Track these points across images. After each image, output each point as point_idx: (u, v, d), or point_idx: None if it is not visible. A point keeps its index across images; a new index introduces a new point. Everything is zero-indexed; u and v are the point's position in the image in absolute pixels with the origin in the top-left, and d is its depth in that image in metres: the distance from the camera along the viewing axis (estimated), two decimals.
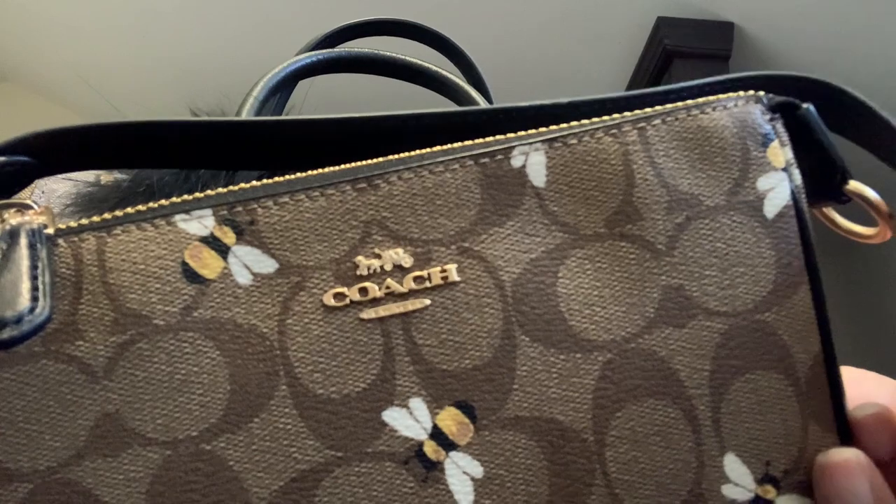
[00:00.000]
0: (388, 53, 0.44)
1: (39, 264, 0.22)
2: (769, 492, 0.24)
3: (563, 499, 0.23)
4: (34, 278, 0.21)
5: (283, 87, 0.41)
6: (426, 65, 0.44)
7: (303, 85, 0.44)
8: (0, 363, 0.22)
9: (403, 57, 0.44)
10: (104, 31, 1.85)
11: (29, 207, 0.23)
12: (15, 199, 0.23)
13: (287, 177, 0.24)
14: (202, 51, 1.92)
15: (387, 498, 0.22)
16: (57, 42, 1.92)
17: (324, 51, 0.43)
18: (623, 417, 0.24)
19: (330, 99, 0.46)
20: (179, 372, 0.22)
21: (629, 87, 1.73)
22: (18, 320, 0.20)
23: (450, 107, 0.45)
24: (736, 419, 0.24)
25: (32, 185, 0.42)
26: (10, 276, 0.21)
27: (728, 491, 0.24)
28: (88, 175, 0.35)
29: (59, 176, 0.42)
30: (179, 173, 0.30)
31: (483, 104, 0.42)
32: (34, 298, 0.21)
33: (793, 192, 0.26)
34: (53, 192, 0.41)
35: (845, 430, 0.25)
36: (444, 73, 0.44)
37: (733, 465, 0.24)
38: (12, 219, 0.22)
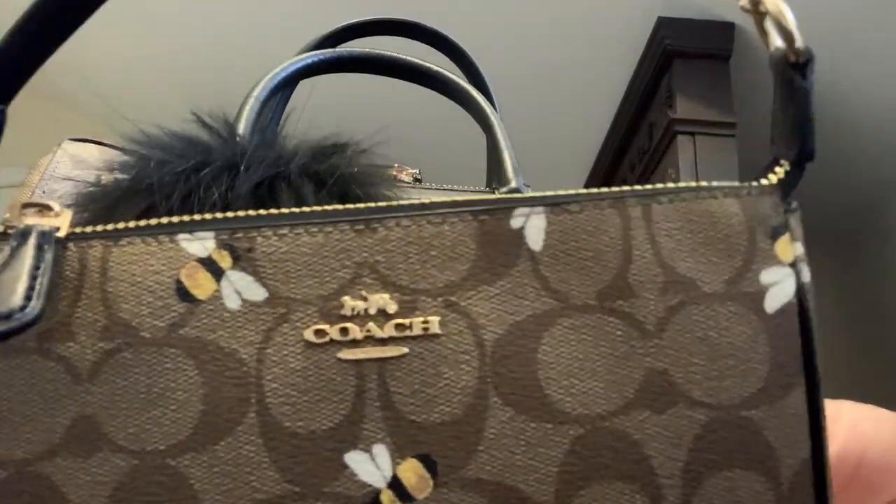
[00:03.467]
0: (389, 53, 0.44)
1: (42, 265, 0.23)
2: None
3: None
4: (33, 278, 0.22)
5: (285, 87, 0.41)
6: (427, 65, 0.44)
7: (304, 84, 0.44)
8: (7, 352, 0.23)
9: (405, 57, 0.44)
10: (104, 31, 1.85)
11: (50, 209, 0.24)
12: (38, 201, 0.24)
13: (291, 210, 0.25)
14: (203, 51, 1.92)
15: None
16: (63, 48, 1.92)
17: (325, 50, 0.43)
18: (587, 497, 0.23)
19: (331, 99, 0.46)
20: (157, 385, 0.23)
21: (629, 87, 1.74)
22: (8, 316, 0.22)
23: (449, 107, 0.45)
24: None
25: (33, 186, 0.42)
26: (12, 273, 0.22)
27: None
28: (89, 175, 0.35)
29: (60, 176, 0.42)
30: (181, 173, 0.30)
31: (483, 103, 0.42)
32: (27, 298, 0.22)
33: (798, 290, 0.25)
34: (54, 192, 0.41)
35: None
36: (445, 72, 0.44)
37: None
38: (30, 219, 0.24)
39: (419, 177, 0.48)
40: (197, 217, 0.25)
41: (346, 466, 0.23)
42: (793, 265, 0.25)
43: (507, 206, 0.25)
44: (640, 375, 0.24)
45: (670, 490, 0.23)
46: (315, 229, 0.24)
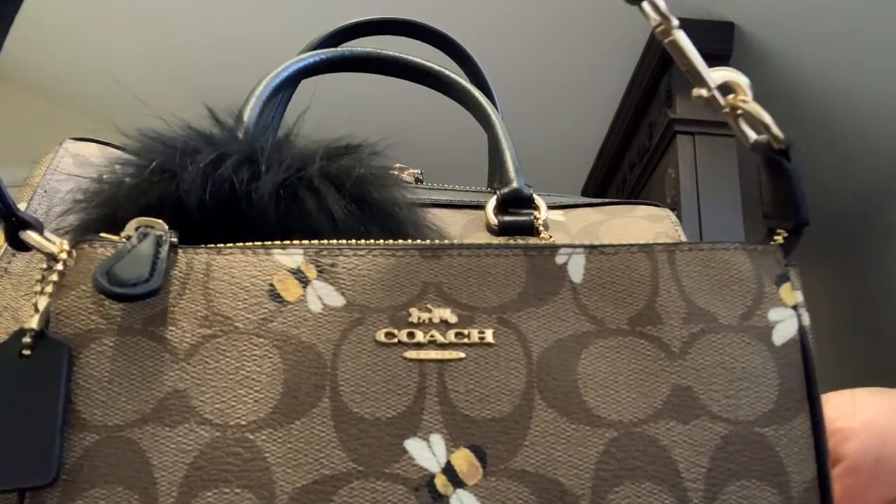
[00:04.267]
0: (391, 53, 0.44)
1: (161, 254, 0.27)
2: None
3: None
4: (154, 263, 0.27)
5: (287, 87, 0.41)
6: (430, 65, 0.44)
7: (306, 84, 0.44)
8: (107, 332, 0.26)
9: (407, 57, 0.44)
10: (105, 31, 1.85)
11: (162, 226, 0.28)
12: (153, 221, 0.29)
13: (369, 241, 0.29)
14: (204, 50, 1.91)
15: None
16: (57, 42, 1.92)
17: (327, 50, 0.43)
18: (620, 493, 0.25)
19: (332, 99, 0.46)
20: (245, 368, 0.26)
21: (629, 87, 1.74)
22: (135, 284, 0.26)
23: (451, 107, 0.45)
24: None
25: (34, 185, 0.42)
26: (137, 258, 0.26)
27: None
28: (91, 174, 0.35)
29: (62, 175, 0.42)
30: (209, 165, 0.30)
31: (485, 103, 0.42)
32: (151, 273, 0.26)
33: (800, 330, 0.28)
34: (56, 191, 0.41)
35: None
36: (447, 72, 0.44)
37: None
38: (148, 228, 0.28)
39: (421, 177, 0.48)
40: (287, 242, 0.29)
41: (405, 451, 0.25)
42: (794, 308, 0.29)
43: (553, 247, 0.29)
44: (667, 389, 0.27)
45: (694, 493, 0.25)
46: (389, 253, 0.28)
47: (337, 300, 0.28)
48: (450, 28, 0.49)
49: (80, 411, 0.25)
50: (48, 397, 0.25)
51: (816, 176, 1.92)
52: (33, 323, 0.25)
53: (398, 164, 0.45)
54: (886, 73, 1.56)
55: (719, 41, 1.57)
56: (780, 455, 0.26)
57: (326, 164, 0.32)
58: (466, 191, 0.44)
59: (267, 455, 0.25)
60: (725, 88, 0.31)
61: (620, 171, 1.89)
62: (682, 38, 0.30)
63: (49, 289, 0.26)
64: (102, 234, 0.28)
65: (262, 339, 0.27)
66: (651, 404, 0.27)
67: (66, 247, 0.27)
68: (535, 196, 0.37)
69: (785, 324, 0.28)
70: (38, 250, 0.27)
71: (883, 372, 1.84)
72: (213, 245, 0.28)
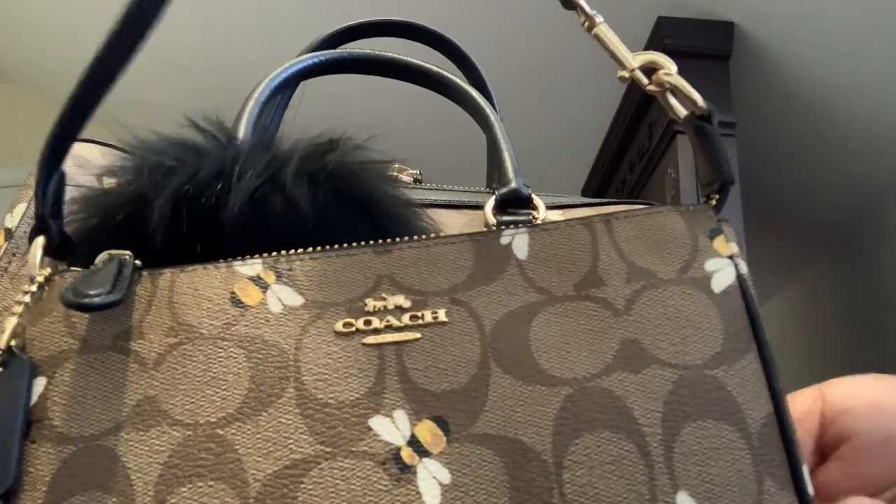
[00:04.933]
0: (390, 54, 0.44)
1: (124, 273, 0.29)
2: None
3: None
4: (116, 279, 0.28)
5: (286, 88, 0.41)
6: (428, 66, 0.44)
7: (303, 86, 0.44)
8: (78, 351, 0.28)
9: (405, 58, 0.44)
10: (104, 32, 1.85)
11: (127, 253, 0.30)
12: (120, 252, 0.30)
13: (324, 248, 0.30)
14: (204, 52, 1.92)
15: (363, 491, 0.25)
16: (57, 42, 1.92)
17: (326, 52, 0.43)
18: (580, 445, 0.26)
19: (331, 100, 0.46)
20: (212, 370, 0.27)
21: (629, 87, 1.73)
22: (98, 296, 0.27)
23: (450, 108, 0.45)
24: (688, 460, 0.26)
25: (34, 185, 0.42)
26: (102, 275, 0.28)
27: None
28: (91, 176, 0.35)
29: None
30: (218, 176, 0.31)
31: (483, 104, 0.42)
32: (112, 287, 0.28)
33: (738, 278, 0.30)
34: None
35: (803, 489, 0.26)
36: (446, 74, 0.44)
37: (686, 503, 0.26)
38: (114, 255, 0.30)
39: (420, 178, 0.48)
40: (247, 258, 0.30)
41: (370, 429, 0.26)
42: (731, 258, 0.30)
43: (497, 230, 0.31)
44: (615, 344, 0.28)
45: (652, 437, 0.26)
46: (343, 253, 0.30)
47: (296, 300, 0.29)
48: (448, 29, 0.49)
49: (58, 426, 0.26)
50: (11, 411, 0.26)
51: (817, 175, 1.92)
52: (2, 342, 0.27)
53: (397, 165, 0.45)
54: (886, 73, 1.56)
55: (719, 41, 1.57)
56: (732, 394, 0.27)
57: (304, 162, 0.32)
58: (465, 191, 0.44)
59: (237, 447, 0.26)
60: (650, 70, 0.34)
61: (620, 171, 1.89)
62: (604, 30, 0.36)
63: (18, 309, 0.28)
64: (73, 268, 0.30)
65: (226, 342, 0.28)
66: (602, 360, 0.28)
67: (46, 274, 0.29)
68: (533, 196, 0.37)
69: (722, 272, 0.30)
70: (29, 262, 0.29)
71: (883, 371, 1.84)
72: (176, 266, 0.30)
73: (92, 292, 0.27)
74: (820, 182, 1.93)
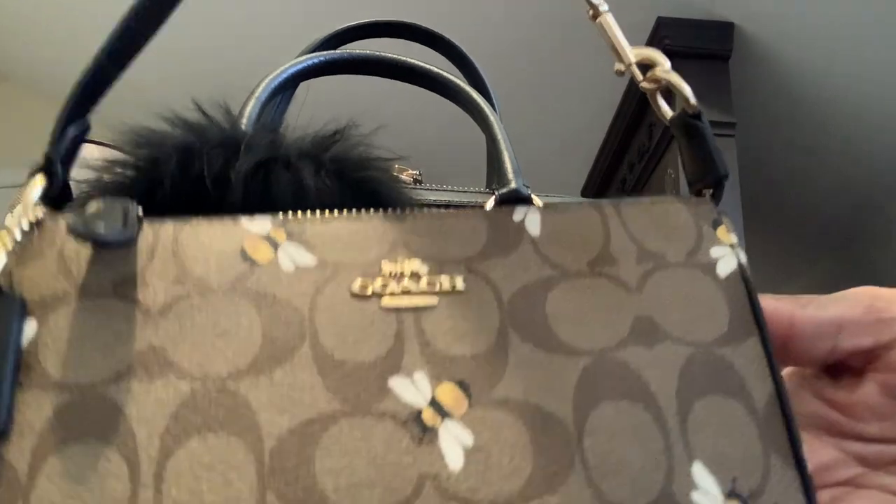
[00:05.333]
0: (390, 55, 0.44)
1: (130, 213, 0.27)
2: None
3: (544, 479, 0.25)
4: (125, 216, 0.27)
5: (286, 89, 0.41)
6: (427, 66, 0.44)
7: (304, 86, 0.44)
8: (75, 296, 0.26)
9: (405, 58, 0.44)
10: (104, 32, 1.85)
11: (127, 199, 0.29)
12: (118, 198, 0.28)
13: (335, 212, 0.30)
14: (204, 53, 1.92)
15: (384, 451, 0.25)
16: (58, 43, 1.92)
17: (326, 52, 0.43)
18: (600, 412, 0.26)
19: (331, 100, 0.46)
20: (221, 324, 0.26)
21: (629, 87, 1.74)
22: (111, 230, 0.26)
23: (449, 108, 0.45)
24: (702, 432, 0.27)
25: None
26: (109, 211, 0.26)
27: (697, 498, 0.26)
28: (89, 175, 0.35)
29: None
30: (225, 144, 0.31)
31: (483, 104, 0.42)
32: (124, 223, 0.26)
33: (739, 266, 0.31)
34: None
35: (804, 468, 0.27)
36: (445, 74, 0.44)
37: (701, 473, 0.26)
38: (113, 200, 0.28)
39: (419, 178, 0.48)
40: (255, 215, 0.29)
41: (390, 390, 0.26)
42: (732, 247, 0.31)
43: (509, 207, 0.31)
44: (629, 320, 0.29)
45: (668, 409, 0.27)
46: (354, 218, 0.29)
47: (308, 260, 0.28)
48: (448, 30, 0.49)
49: (51, 372, 0.25)
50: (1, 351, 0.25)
51: (816, 176, 1.92)
52: None
53: (397, 164, 0.45)
54: (886, 73, 1.56)
55: (719, 41, 1.57)
56: (739, 372, 0.28)
57: (310, 146, 0.32)
58: (465, 191, 0.44)
59: (251, 402, 0.25)
60: (645, 67, 0.35)
61: (620, 171, 1.89)
62: (608, 20, 0.36)
63: (6, 243, 0.26)
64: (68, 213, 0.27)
65: (236, 297, 0.27)
66: (617, 334, 0.28)
67: (40, 215, 0.27)
68: (533, 196, 0.37)
69: (725, 259, 0.31)
70: (23, 198, 0.27)
71: None
72: (179, 218, 0.28)
73: (103, 225, 0.26)
74: (819, 182, 1.93)
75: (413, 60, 0.44)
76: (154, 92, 1.92)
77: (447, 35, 0.49)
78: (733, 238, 0.32)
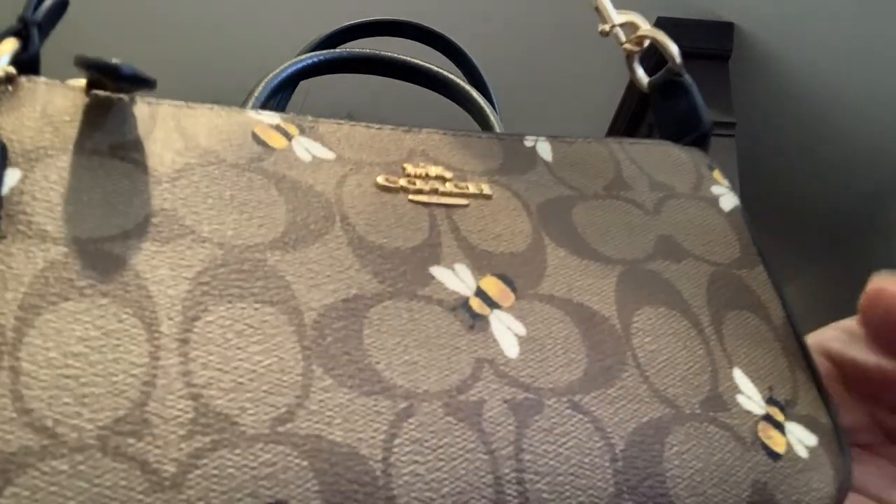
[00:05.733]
0: (389, 54, 0.44)
1: (136, 68, 0.23)
2: (777, 414, 0.26)
3: (600, 371, 0.24)
4: (132, 67, 0.23)
5: (285, 88, 0.41)
6: (427, 65, 0.44)
7: (304, 85, 0.44)
8: (66, 150, 0.22)
9: (404, 57, 0.44)
10: (104, 32, 1.85)
11: None
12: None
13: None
14: (205, 52, 1.92)
15: (437, 333, 0.23)
16: (59, 42, 1.91)
17: (325, 51, 0.43)
18: (643, 315, 0.26)
19: (330, 100, 0.46)
20: (241, 196, 0.23)
21: (630, 87, 1.74)
22: (129, 69, 0.22)
23: (449, 107, 0.45)
24: (735, 342, 0.27)
25: None
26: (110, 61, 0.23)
27: (743, 401, 0.25)
28: None
29: None
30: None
31: (483, 104, 0.42)
32: (133, 69, 0.23)
33: (738, 206, 0.32)
34: None
35: (822, 387, 0.27)
36: (445, 73, 0.44)
37: (742, 379, 0.26)
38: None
39: None
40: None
41: (433, 277, 0.24)
42: (728, 188, 0.32)
43: (518, 135, 0.31)
44: (653, 237, 0.29)
45: (703, 317, 0.27)
46: (366, 126, 0.28)
47: (326, 154, 0.26)
48: (448, 29, 0.49)
49: (40, 223, 0.21)
50: None
51: (817, 175, 1.91)
52: None
53: None
54: (886, 72, 1.56)
55: (719, 41, 1.57)
56: (756, 293, 0.29)
57: None
58: None
59: (283, 274, 0.22)
60: (628, 31, 0.36)
61: None
62: None
63: None
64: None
65: (253, 174, 0.24)
66: (644, 249, 0.28)
67: (13, 71, 0.23)
68: None
69: (726, 196, 0.32)
70: None
71: None
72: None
73: (119, 62, 0.22)
74: (820, 182, 1.93)
75: (413, 59, 0.44)
76: (155, 92, 1.92)
77: (447, 34, 0.49)
78: (727, 182, 0.33)
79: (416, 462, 0.20)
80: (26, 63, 0.24)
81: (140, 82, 0.23)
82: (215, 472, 0.19)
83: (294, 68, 0.41)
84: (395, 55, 0.44)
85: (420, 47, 0.48)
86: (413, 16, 0.49)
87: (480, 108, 0.42)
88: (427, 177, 0.27)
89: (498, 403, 0.22)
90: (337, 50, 0.45)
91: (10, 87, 0.23)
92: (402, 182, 0.26)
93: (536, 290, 0.25)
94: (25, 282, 0.20)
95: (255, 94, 0.39)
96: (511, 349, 0.23)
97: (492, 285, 0.25)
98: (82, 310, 0.20)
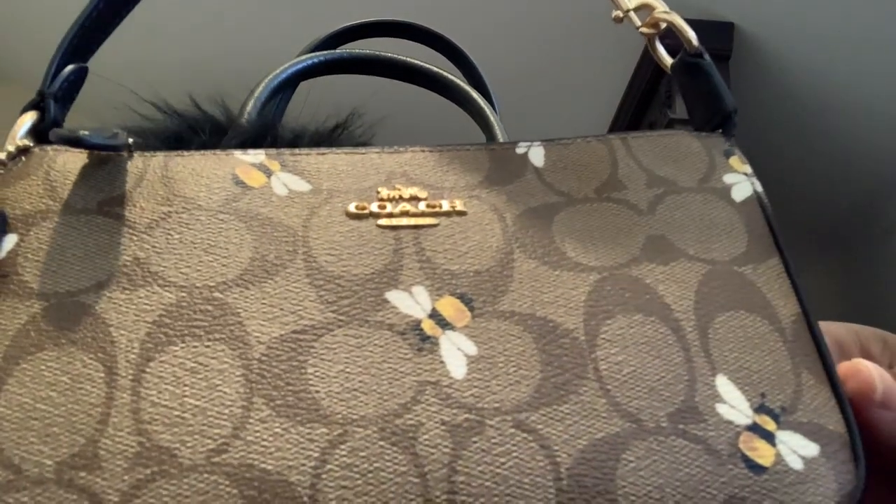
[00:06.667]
0: (389, 55, 0.44)
1: (120, 135, 0.27)
2: (768, 423, 0.24)
3: (554, 387, 0.24)
4: (115, 132, 0.27)
5: (285, 88, 0.41)
6: (427, 66, 0.44)
7: (304, 86, 0.44)
8: (59, 212, 0.26)
9: (404, 58, 0.44)
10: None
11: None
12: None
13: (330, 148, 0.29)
14: (204, 54, 1.92)
15: (382, 359, 0.24)
16: (57, 42, 1.91)
17: (325, 52, 0.43)
18: (614, 325, 0.25)
19: (330, 100, 0.46)
20: (210, 239, 0.26)
21: (629, 87, 1.74)
22: (112, 136, 0.26)
23: (449, 108, 0.45)
24: (724, 346, 0.25)
25: None
26: (99, 129, 0.26)
27: (723, 410, 0.24)
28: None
29: None
30: (219, 131, 0.31)
31: (483, 104, 0.42)
32: (113, 135, 0.26)
33: (756, 193, 0.30)
34: None
35: (838, 388, 0.25)
36: (445, 74, 0.44)
37: (726, 387, 0.25)
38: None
39: None
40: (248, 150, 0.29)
41: (387, 301, 0.25)
42: (747, 175, 0.31)
43: (511, 143, 0.31)
44: (641, 239, 0.28)
45: (686, 322, 0.26)
46: (350, 151, 0.29)
47: (303, 186, 0.28)
48: (448, 30, 0.49)
49: (28, 281, 0.24)
50: None
51: (817, 175, 1.91)
52: None
53: None
54: (886, 72, 1.56)
55: (719, 41, 1.57)
56: (762, 290, 0.27)
57: (309, 141, 0.33)
58: None
59: (239, 311, 0.24)
60: (644, 14, 0.35)
61: None
62: None
63: None
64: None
65: (225, 215, 0.26)
66: (629, 252, 0.27)
67: (28, 143, 0.27)
68: None
69: (740, 185, 0.30)
70: (13, 130, 0.27)
71: None
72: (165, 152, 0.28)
73: (89, 133, 0.25)
74: (820, 182, 1.93)
75: (413, 60, 0.44)
76: (152, 93, 1.92)
77: (447, 34, 0.49)
78: (748, 168, 0.31)
79: (343, 487, 0.21)
80: (45, 133, 0.27)
81: (109, 148, 0.26)
82: (153, 501, 0.20)
83: (294, 69, 0.41)
84: (396, 56, 0.44)
85: (420, 48, 0.49)
86: (413, 16, 0.49)
87: (480, 109, 0.42)
88: (400, 199, 0.27)
89: (435, 426, 0.22)
90: (337, 50, 0.45)
91: (23, 158, 0.27)
92: (373, 207, 0.27)
93: (496, 308, 0.25)
94: (10, 335, 0.23)
95: (256, 93, 0.39)
96: (458, 370, 0.24)
97: (448, 306, 0.25)
98: (53, 357, 0.23)
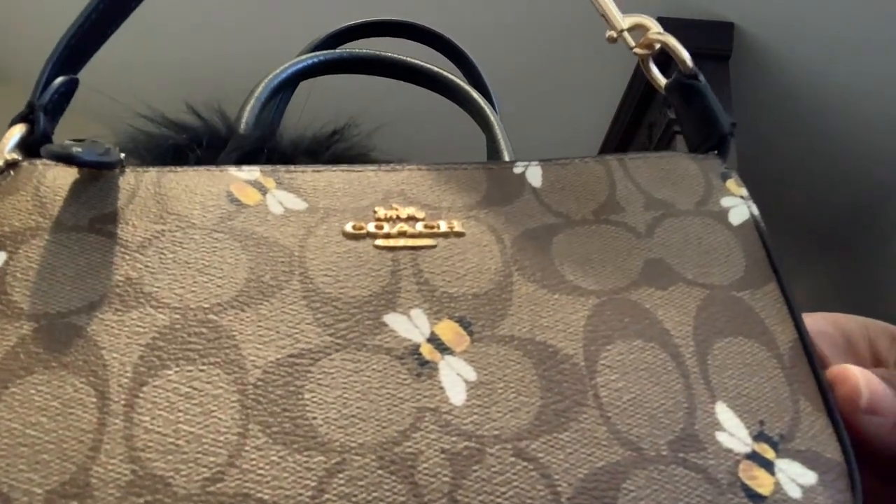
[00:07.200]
0: (389, 54, 0.44)
1: (112, 150, 0.26)
2: (767, 451, 0.24)
3: (555, 414, 0.23)
4: (108, 148, 0.26)
5: (285, 88, 0.41)
6: (428, 66, 0.44)
7: (304, 86, 0.44)
8: (49, 230, 0.25)
9: (404, 58, 0.44)
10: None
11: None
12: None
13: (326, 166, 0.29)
14: (203, 51, 1.92)
15: (380, 384, 0.23)
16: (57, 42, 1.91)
17: (325, 52, 0.43)
18: (613, 350, 0.25)
19: (330, 100, 0.46)
20: (204, 259, 0.25)
21: (629, 87, 1.74)
22: (104, 153, 0.25)
23: (449, 107, 0.45)
24: (723, 373, 0.25)
25: None
26: (91, 144, 0.26)
27: (723, 439, 0.24)
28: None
29: None
30: (216, 139, 0.31)
31: (483, 104, 0.42)
32: (106, 152, 0.26)
33: (752, 216, 0.30)
34: None
35: (835, 415, 0.25)
36: (445, 73, 0.44)
37: (725, 414, 0.24)
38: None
39: None
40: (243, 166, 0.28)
41: (385, 325, 0.24)
42: (743, 198, 0.31)
43: (509, 161, 0.31)
44: (640, 263, 0.28)
45: (686, 348, 0.26)
46: (348, 169, 0.29)
47: (299, 205, 0.27)
48: (448, 30, 0.49)
49: (17, 301, 0.23)
50: None
51: (816, 175, 1.91)
52: None
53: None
54: (886, 73, 1.56)
55: (719, 41, 1.57)
56: (760, 315, 0.27)
57: (308, 144, 0.33)
58: None
59: (234, 334, 0.23)
60: (638, 34, 0.35)
61: None
62: None
63: None
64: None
65: (220, 234, 0.26)
66: (628, 276, 0.27)
67: (17, 157, 0.26)
68: None
69: (738, 208, 0.30)
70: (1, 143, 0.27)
71: None
72: (160, 167, 0.28)
73: (80, 150, 0.25)
74: (820, 182, 1.93)
75: (413, 60, 0.44)
76: (152, 93, 1.92)
77: (447, 34, 0.49)
78: (744, 191, 0.31)
79: None
80: (34, 146, 0.27)
81: (102, 166, 0.26)
82: None
83: (295, 68, 0.41)
84: (396, 56, 0.44)
85: (420, 48, 0.48)
86: (413, 16, 0.49)
87: (480, 109, 0.42)
88: (397, 219, 0.27)
89: (435, 454, 0.22)
90: (337, 50, 0.45)
91: (11, 173, 0.26)
92: (370, 227, 0.27)
93: (495, 332, 0.25)
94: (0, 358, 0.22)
95: (256, 93, 0.39)
96: (457, 396, 0.23)
97: (447, 330, 0.25)
98: (44, 381, 0.22)
